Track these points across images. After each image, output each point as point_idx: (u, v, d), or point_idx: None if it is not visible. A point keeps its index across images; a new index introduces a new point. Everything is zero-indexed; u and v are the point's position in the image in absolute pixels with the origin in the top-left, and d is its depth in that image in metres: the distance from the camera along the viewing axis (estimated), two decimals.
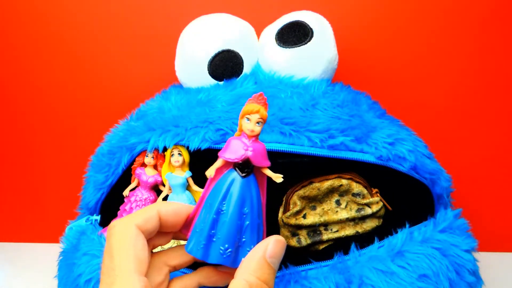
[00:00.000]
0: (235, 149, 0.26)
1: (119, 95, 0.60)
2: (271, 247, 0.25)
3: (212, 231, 0.26)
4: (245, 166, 0.26)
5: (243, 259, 0.25)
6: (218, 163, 0.26)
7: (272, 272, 0.25)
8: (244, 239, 0.26)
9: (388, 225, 0.38)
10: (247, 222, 0.26)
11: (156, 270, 0.26)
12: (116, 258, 0.23)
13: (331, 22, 0.46)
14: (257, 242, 0.26)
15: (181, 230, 0.28)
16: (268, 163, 0.27)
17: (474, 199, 0.60)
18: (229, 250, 0.25)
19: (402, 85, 0.58)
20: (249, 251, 0.26)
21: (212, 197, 0.26)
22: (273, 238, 0.25)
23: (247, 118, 0.26)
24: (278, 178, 0.27)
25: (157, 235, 0.27)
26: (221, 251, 0.25)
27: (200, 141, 0.37)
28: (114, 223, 0.25)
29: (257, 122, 0.26)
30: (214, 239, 0.25)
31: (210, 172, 0.26)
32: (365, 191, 0.38)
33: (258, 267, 0.24)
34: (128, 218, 0.25)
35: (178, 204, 0.28)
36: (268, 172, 0.27)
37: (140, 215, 0.25)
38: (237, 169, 0.26)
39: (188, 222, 0.28)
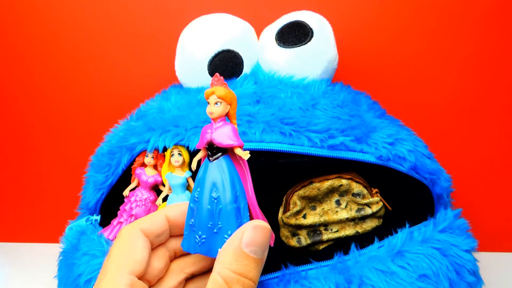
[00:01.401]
0: (202, 135, 0.26)
1: (119, 95, 0.60)
2: (247, 235, 0.22)
3: (192, 221, 0.25)
4: (212, 150, 0.26)
5: (219, 249, 0.23)
6: (198, 155, 0.27)
7: (253, 262, 0.22)
8: (220, 225, 0.24)
9: (388, 225, 0.38)
10: (220, 206, 0.25)
11: (172, 275, 0.26)
12: (111, 256, 0.23)
13: (331, 22, 0.46)
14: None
15: None
16: (236, 143, 0.25)
17: (474, 199, 0.60)
18: (203, 237, 0.24)
19: (402, 85, 0.58)
20: (226, 238, 0.24)
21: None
22: (250, 225, 0.23)
23: (207, 102, 0.26)
24: (246, 155, 0.25)
25: (175, 239, 0.27)
26: (197, 240, 0.25)
27: None
28: (123, 227, 0.26)
29: (216, 103, 0.25)
30: (194, 229, 0.25)
31: (192, 165, 0.26)
32: (365, 191, 0.38)
33: (233, 259, 0.22)
34: (135, 221, 0.26)
35: (186, 205, 0.27)
36: (238, 151, 0.26)
37: (147, 219, 0.26)
38: (208, 154, 0.26)
39: None
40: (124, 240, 0.24)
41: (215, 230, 0.24)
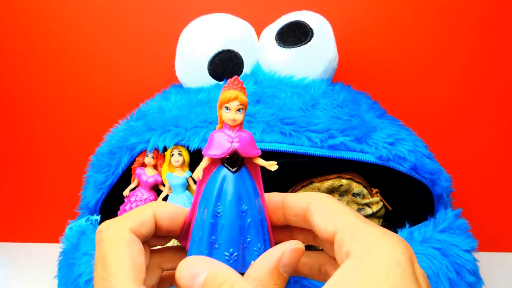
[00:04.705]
0: (220, 143, 0.23)
1: (119, 95, 0.60)
2: (287, 256, 0.21)
3: (213, 238, 0.23)
4: (234, 160, 0.24)
5: (252, 262, 0.22)
6: (204, 163, 0.24)
7: (283, 281, 0.21)
8: (249, 239, 0.23)
9: (388, 225, 0.38)
10: (249, 220, 0.23)
11: (150, 272, 0.24)
12: (111, 267, 0.21)
13: (331, 22, 0.46)
14: (264, 240, 0.24)
15: (178, 240, 0.25)
16: (258, 152, 0.24)
17: (474, 199, 0.60)
18: (235, 254, 0.23)
19: (402, 85, 0.58)
20: (256, 251, 0.23)
21: (205, 201, 0.24)
22: (291, 246, 0.21)
23: (225, 107, 0.23)
24: (272, 166, 0.24)
25: (154, 236, 0.25)
26: (226, 257, 0.23)
27: (200, 141, 0.37)
28: (105, 225, 0.22)
29: (238, 110, 0.23)
30: (216, 246, 0.23)
31: (197, 174, 0.24)
32: (365, 191, 0.38)
33: (268, 277, 0.21)
34: (120, 220, 0.23)
35: (176, 208, 0.25)
36: (260, 161, 0.24)
37: (134, 217, 0.23)
38: (226, 164, 0.24)
39: (184, 232, 0.25)
40: (118, 244, 0.22)
41: (245, 245, 0.23)
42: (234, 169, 0.24)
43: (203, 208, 0.24)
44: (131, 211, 0.24)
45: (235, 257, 0.23)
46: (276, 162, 0.24)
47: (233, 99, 0.23)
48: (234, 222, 0.23)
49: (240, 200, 0.23)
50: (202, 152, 0.24)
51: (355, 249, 0.19)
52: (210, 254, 0.23)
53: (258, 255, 0.23)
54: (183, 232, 0.25)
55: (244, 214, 0.23)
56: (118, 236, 0.22)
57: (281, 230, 0.26)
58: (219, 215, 0.23)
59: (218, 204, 0.23)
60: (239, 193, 0.23)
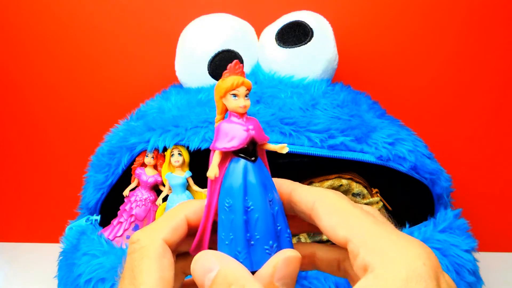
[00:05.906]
0: (234, 133, 0.22)
1: (119, 95, 0.60)
2: (280, 268, 0.20)
3: (248, 235, 0.21)
4: (251, 149, 0.22)
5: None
6: (218, 158, 0.22)
7: None
8: (279, 227, 0.22)
9: None
10: (276, 208, 0.22)
11: (175, 278, 0.23)
12: (138, 279, 0.20)
13: (331, 22, 0.46)
14: (287, 226, 0.23)
15: (191, 252, 0.24)
16: (267, 137, 0.23)
17: (474, 199, 0.60)
18: (275, 245, 0.22)
19: (402, 85, 0.58)
20: (288, 237, 0.22)
21: (228, 198, 0.22)
22: (282, 257, 0.21)
23: (233, 94, 0.22)
24: (283, 148, 0.23)
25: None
26: (267, 251, 0.21)
27: (200, 141, 0.37)
28: (137, 236, 0.22)
29: (246, 95, 0.22)
30: (253, 242, 0.21)
31: (213, 172, 0.21)
32: (365, 191, 0.38)
33: None
34: (153, 230, 0.22)
35: (201, 205, 0.23)
36: (271, 146, 0.23)
37: (167, 225, 0.22)
38: (242, 155, 0.22)
39: (198, 242, 0.23)
40: (149, 257, 0.21)
41: (278, 234, 0.22)
42: (253, 158, 0.22)
43: (227, 207, 0.22)
44: (163, 217, 0.23)
45: (275, 249, 0.22)
46: (286, 144, 0.23)
47: (240, 85, 0.22)
48: (268, 212, 0.22)
49: (265, 189, 0.22)
50: (212, 147, 0.22)
51: (371, 262, 0.17)
52: (248, 253, 0.21)
53: (289, 242, 0.22)
54: (197, 242, 0.23)
55: (271, 202, 0.22)
56: (150, 248, 0.21)
57: None
58: (249, 209, 0.21)
59: (246, 198, 0.21)
60: (263, 183, 0.22)
